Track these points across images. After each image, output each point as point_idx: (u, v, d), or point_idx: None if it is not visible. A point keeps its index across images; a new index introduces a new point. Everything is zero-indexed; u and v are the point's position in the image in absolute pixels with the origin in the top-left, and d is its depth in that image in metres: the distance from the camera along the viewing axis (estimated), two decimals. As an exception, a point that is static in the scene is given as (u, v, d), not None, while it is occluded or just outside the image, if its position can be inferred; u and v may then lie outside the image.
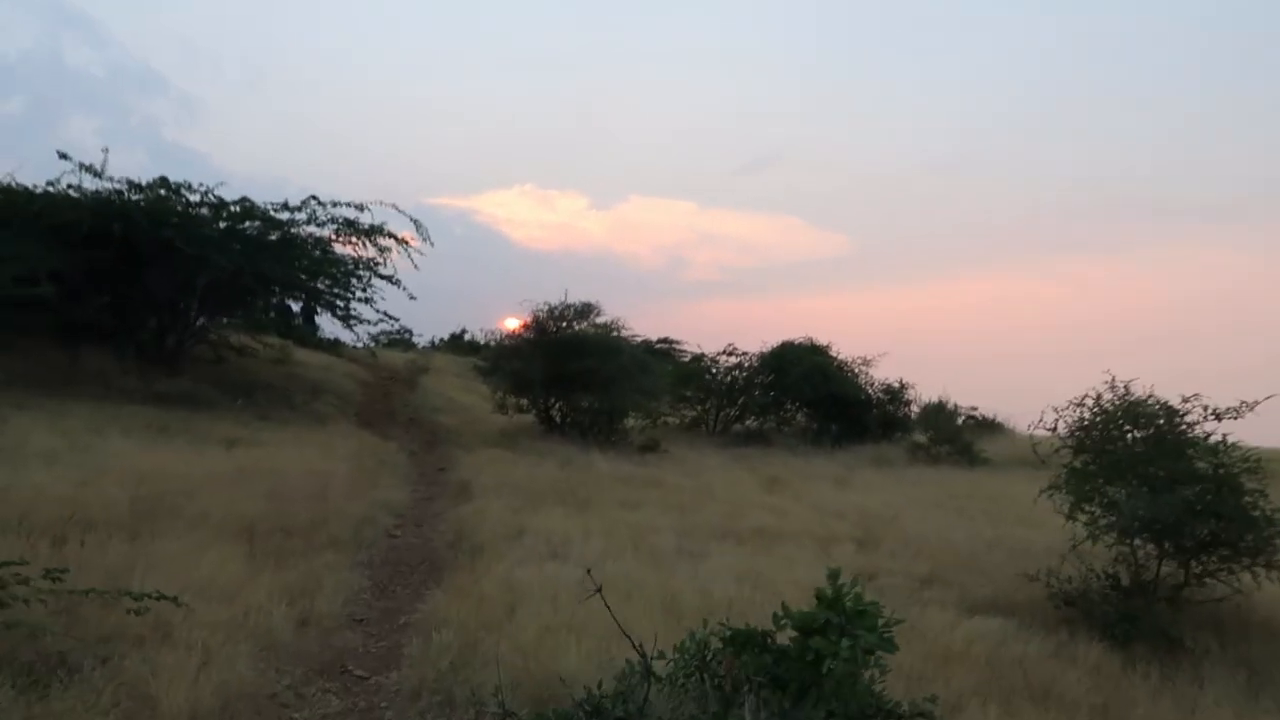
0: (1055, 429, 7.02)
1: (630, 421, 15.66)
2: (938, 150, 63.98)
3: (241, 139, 63.85)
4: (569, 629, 4.84)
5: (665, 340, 26.50)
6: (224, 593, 5.07)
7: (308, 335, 21.59)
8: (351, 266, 15.78)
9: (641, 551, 7.14)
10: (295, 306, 21.14)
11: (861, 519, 9.47)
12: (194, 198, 13.94)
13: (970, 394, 18.94)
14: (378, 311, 16.14)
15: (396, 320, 17.48)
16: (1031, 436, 7.05)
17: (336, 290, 16.16)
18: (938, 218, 66.02)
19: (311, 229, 15.15)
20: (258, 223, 14.75)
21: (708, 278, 66.33)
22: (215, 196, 14.10)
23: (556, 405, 15.34)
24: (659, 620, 5.12)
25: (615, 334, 15.40)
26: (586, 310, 15.38)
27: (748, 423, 20.13)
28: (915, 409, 18.88)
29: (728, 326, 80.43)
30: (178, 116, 62.97)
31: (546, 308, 15.31)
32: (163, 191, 13.66)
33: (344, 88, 69.21)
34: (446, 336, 35.98)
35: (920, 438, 17.10)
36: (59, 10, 57.31)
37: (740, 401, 19.49)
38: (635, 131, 71.07)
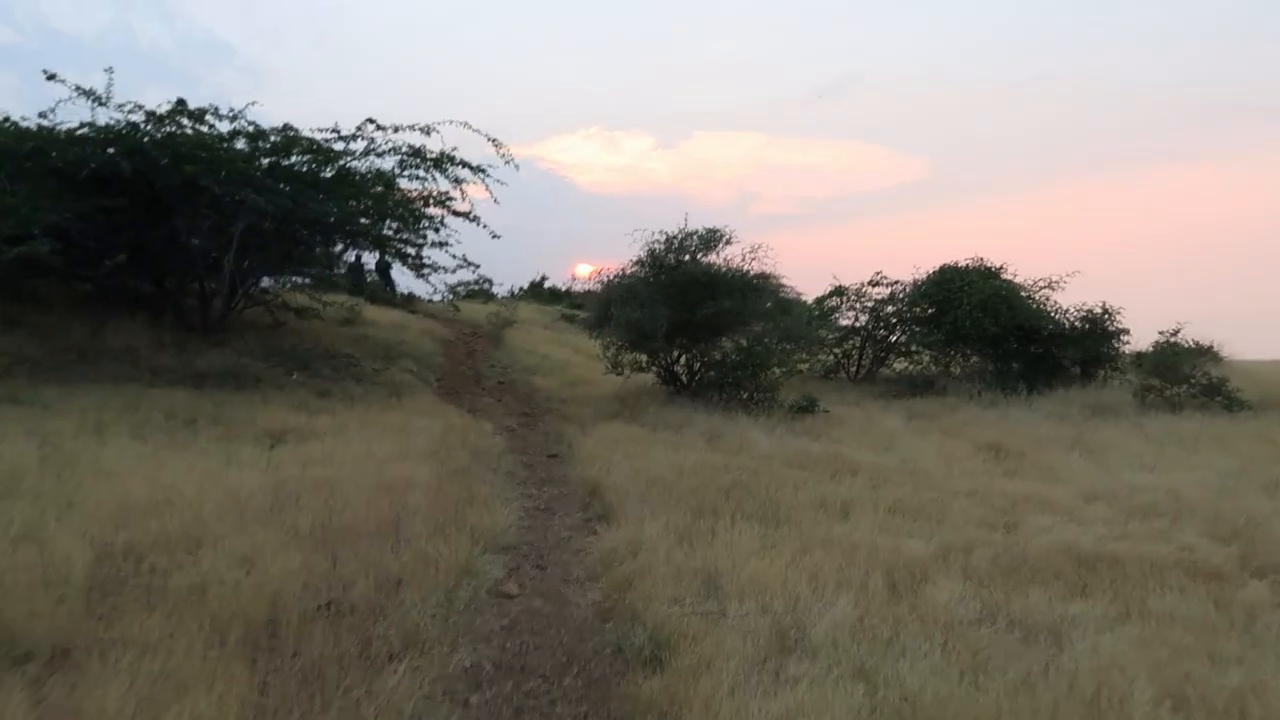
0: None
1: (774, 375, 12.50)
2: (1017, 64, 57.83)
3: (307, 101, 62.23)
4: None
5: (761, 275, 23.19)
6: None
7: (379, 291, 19.03)
8: (421, 205, 13.03)
9: (927, 620, 4.16)
10: (364, 259, 18.70)
11: (1198, 519, 6.23)
12: (223, 126, 11.26)
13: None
14: (455, 258, 13.40)
15: (476, 267, 14.72)
16: None
17: (405, 235, 13.46)
18: (1020, 132, 60.14)
19: (370, 160, 12.45)
20: (306, 156, 12.07)
21: (778, 210, 62.32)
22: (250, 123, 11.40)
23: (682, 360, 12.32)
24: None
25: (750, 270, 12.18)
26: (712, 239, 12.16)
27: (894, 366, 16.80)
28: (1128, 341, 15.03)
29: (802, 259, 75.82)
30: (245, 83, 61.68)
31: (664, 238, 12.15)
32: (184, 120, 10.96)
33: (404, 43, 66.65)
34: (526, 285, 33.43)
35: (1147, 378, 13.33)
36: (128, -15, 56.20)
37: (891, 341, 16.10)
38: (700, 63, 66.76)
